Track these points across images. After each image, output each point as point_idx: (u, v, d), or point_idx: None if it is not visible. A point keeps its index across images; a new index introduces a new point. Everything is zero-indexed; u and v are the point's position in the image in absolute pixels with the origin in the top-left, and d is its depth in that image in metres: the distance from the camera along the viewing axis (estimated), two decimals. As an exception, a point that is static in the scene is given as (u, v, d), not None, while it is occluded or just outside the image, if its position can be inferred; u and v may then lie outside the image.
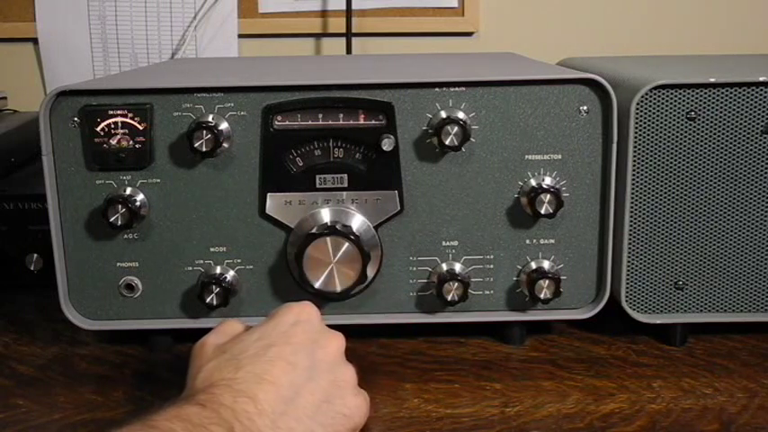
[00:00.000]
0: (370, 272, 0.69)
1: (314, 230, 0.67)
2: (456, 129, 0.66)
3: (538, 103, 0.68)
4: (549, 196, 0.67)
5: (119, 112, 0.67)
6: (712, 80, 0.66)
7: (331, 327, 0.60)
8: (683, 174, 0.69)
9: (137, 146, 0.67)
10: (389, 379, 0.67)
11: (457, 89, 0.67)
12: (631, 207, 0.69)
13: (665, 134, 0.68)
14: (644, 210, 0.69)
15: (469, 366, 0.70)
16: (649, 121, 0.67)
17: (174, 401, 0.50)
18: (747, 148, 0.68)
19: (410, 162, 0.69)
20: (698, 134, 0.68)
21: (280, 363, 0.53)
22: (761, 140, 0.68)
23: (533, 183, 0.69)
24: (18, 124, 1.08)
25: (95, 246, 0.70)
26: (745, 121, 0.67)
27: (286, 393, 0.52)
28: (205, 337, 0.58)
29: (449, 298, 0.69)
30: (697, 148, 0.68)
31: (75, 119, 0.67)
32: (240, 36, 1.28)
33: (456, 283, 0.69)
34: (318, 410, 0.54)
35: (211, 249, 0.70)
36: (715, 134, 0.68)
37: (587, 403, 0.63)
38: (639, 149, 0.68)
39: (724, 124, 0.67)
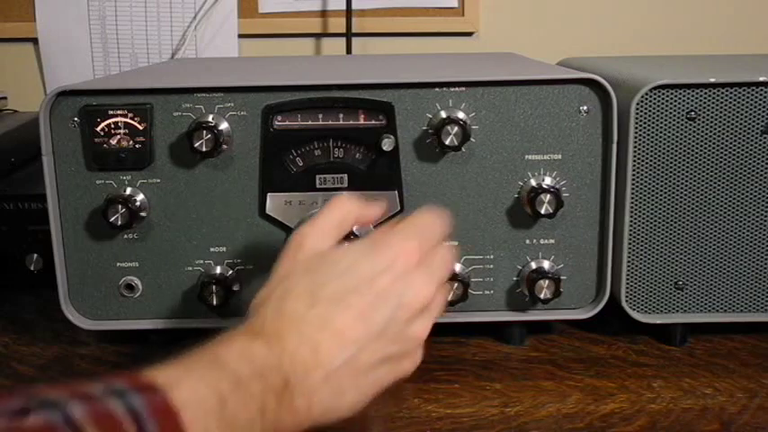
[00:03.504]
0: (370, 272, 0.69)
1: (314, 230, 0.67)
2: (456, 129, 0.66)
3: (538, 103, 0.68)
4: (549, 196, 0.67)
5: (119, 112, 0.67)
6: (712, 80, 0.66)
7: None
8: (683, 174, 0.69)
9: (137, 146, 0.67)
10: (389, 379, 0.67)
11: (457, 89, 0.67)
12: (631, 207, 0.69)
13: (665, 134, 0.68)
14: (644, 210, 0.69)
15: (469, 366, 0.70)
16: (649, 121, 0.67)
17: (245, 328, 0.50)
18: (747, 148, 0.68)
19: (410, 162, 0.69)
20: (698, 134, 0.68)
21: (355, 314, 0.51)
22: (761, 140, 0.68)
23: (533, 183, 0.69)
24: (18, 124, 1.08)
25: (95, 246, 0.70)
26: (745, 121, 0.67)
27: (349, 349, 0.51)
28: (309, 227, 0.56)
29: (449, 298, 0.69)
30: (697, 148, 0.68)
31: (75, 119, 0.67)
32: (240, 36, 1.28)
33: (456, 283, 0.69)
34: (373, 369, 0.52)
35: (211, 249, 0.70)
36: (715, 134, 0.68)
37: (587, 403, 0.63)
38: (639, 149, 0.68)
39: (724, 124, 0.67)
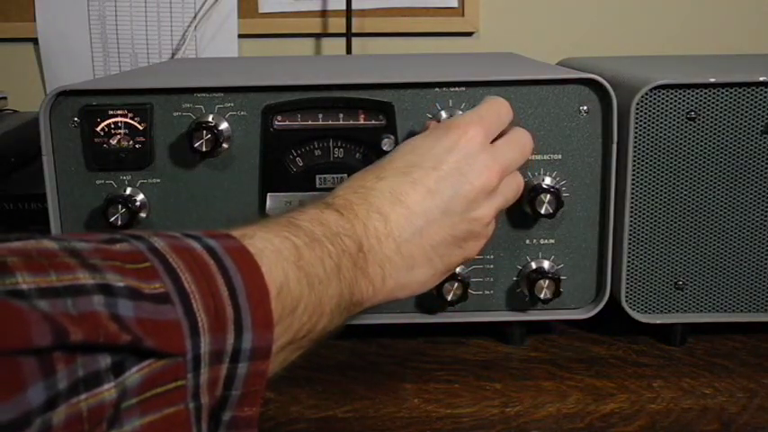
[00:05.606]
0: (370, 272, 0.69)
1: (314, 230, 0.67)
2: (456, 129, 0.66)
3: (538, 103, 0.68)
4: (548, 196, 0.67)
5: (119, 112, 0.67)
6: (712, 80, 0.66)
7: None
8: (683, 174, 0.69)
9: (137, 146, 0.67)
10: (389, 379, 0.67)
11: (457, 89, 0.67)
12: (631, 207, 0.69)
13: (665, 134, 0.68)
14: (644, 210, 0.69)
15: (469, 366, 0.70)
16: (649, 121, 0.67)
17: (317, 202, 0.51)
18: (747, 148, 0.68)
19: (410, 162, 0.69)
20: (698, 134, 0.68)
21: (420, 188, 0.53)
22: (761, 140, 0.68)
23: (533, 183, 0.69)
24: (18, 124, 1.08)
25: (95, 246, 0.70)
26: (745, 121, 0.67)
27: (417, 222, 0.53)
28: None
29: (449, 298, 0.69)
30: (697, 148, 0.68)
31: (75, 119, 0.67)
32: (240, 36, 1.28)
33: (456, 283, 0.69)
34: (441, 243, 0.54)
35: (211, 249, 0.70)
36: (715, 134, 0.68)
37: (587, 403, 0.63)
38: (639, 149, 0.68)
39: (724, 124, 0.67)
